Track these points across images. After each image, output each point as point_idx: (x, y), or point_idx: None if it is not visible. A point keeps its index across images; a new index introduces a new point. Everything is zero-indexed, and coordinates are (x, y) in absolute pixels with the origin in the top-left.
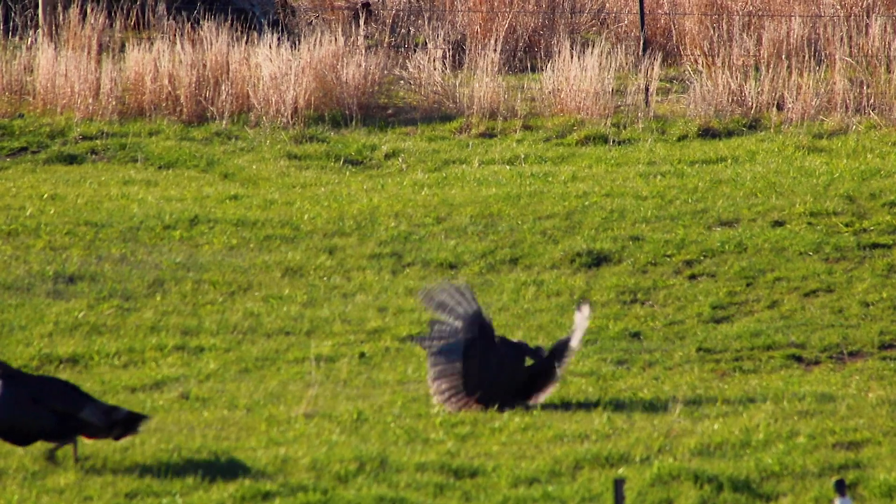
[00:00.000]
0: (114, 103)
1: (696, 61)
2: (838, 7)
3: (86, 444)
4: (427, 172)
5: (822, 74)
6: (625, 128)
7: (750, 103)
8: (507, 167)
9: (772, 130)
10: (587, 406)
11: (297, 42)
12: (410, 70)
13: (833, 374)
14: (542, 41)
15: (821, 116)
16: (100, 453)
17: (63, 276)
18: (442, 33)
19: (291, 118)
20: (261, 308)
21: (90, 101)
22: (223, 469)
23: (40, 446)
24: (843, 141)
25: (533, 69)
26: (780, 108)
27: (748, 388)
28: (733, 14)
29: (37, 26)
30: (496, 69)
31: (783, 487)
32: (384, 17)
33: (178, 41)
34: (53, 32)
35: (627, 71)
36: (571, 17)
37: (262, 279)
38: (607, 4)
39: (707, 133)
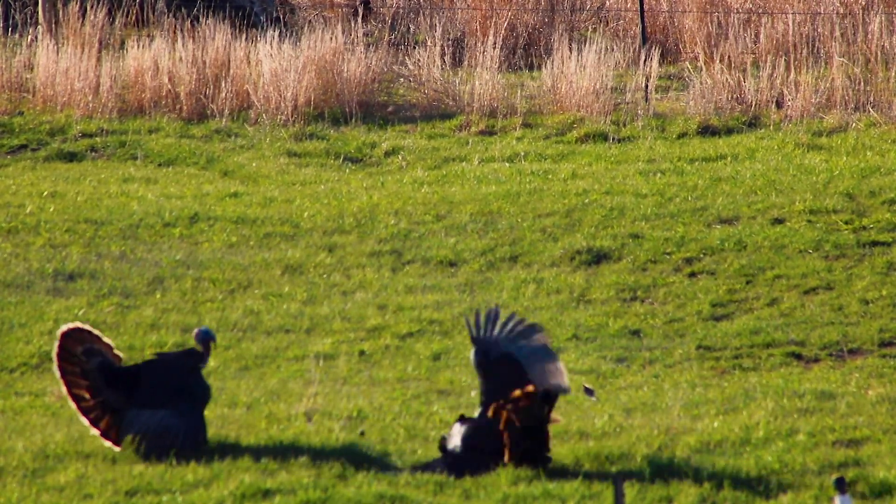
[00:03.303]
0: (113, 101)
1: (695, 58)
2: (838, 4)
3: (85, 442)
4: (427, 170)
5: (822, 72)
6: (624, 125)
7: (749, 101)
8: (507, 165)
9: (771, 128)
10: (587, 404)
11: (297, 39)
12: (410, 67)
13: (833, 371)
14: (541, 38)
15: (820, 114)
16: (99, 451)
17: (63, 273)
18: (441, 30)
19: (291, 116)
20: (260, 306)
21: (90, 98)
22: (223, 467)
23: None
24: (843, 138)
25: (532, 67)
26: (779, 105)
27: (748, 386)
28: (732, 11)
29: (36, 23)
30: (496, 66)
31: (783, 485)
32: (384, 15)
33: (178, 38)
34: (53, 29)
35: (627, 68)
36: (571, 15)
37: (262, 277)
38: (607, 2)
39: (706, 131)
